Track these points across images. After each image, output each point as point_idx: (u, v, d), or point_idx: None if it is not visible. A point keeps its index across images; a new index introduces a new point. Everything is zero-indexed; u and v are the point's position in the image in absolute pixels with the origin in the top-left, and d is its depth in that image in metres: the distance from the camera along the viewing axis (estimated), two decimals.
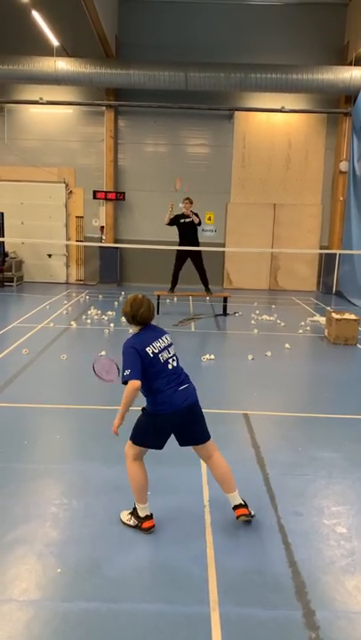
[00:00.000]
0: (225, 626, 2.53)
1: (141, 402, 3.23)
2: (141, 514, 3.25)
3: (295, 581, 2.86)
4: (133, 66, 13.02)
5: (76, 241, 15.15)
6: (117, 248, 14.76)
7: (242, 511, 3.30)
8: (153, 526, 3.24)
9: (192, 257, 10.80)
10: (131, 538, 3.19)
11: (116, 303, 11.73)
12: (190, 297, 12.35)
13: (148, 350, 3.12)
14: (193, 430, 3.28)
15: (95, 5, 10.42)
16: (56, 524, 3.32)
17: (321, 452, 4.49)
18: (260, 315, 10.76)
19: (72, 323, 9.38)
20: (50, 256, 15.36)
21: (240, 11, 14.12)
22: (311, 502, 3.68)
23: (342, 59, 14.11)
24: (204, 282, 11.00)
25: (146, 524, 3.23)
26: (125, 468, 3.28)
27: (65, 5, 13.26)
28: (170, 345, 3.28)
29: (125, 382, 3.06)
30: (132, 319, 3.22)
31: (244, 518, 3.29)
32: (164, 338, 3.26)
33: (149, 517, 3.25)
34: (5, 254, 14.15)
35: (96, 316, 10.06)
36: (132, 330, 3.31)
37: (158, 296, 10.78)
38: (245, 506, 3.33)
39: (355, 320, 8.44)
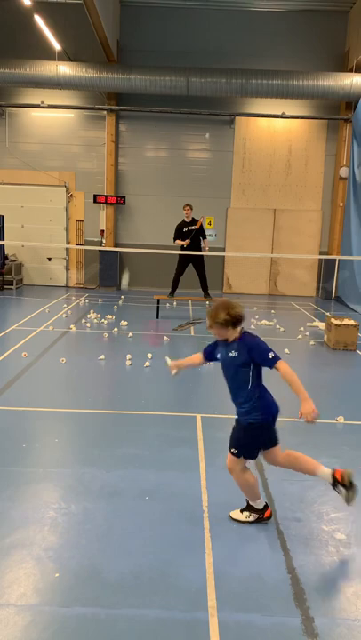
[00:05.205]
0: (223, 632, 2.52)
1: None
2: (259, 507, 3.43)
3: (294, 588, 2.85)
4: (135, 71, 13.08)
5: (76, 244, 15.16)
6: (117, 252, 14.78)
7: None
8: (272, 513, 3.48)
9: (194, 262, 10.82)
10: (129, 543, 3.18)
11: (115, 307, 11.73)
12: (190, 301, 12.37)
13: None
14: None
15: (97, 10, 10.47)
16: (54, 528, 3.31)
17: (320, 458, 4.44)
18: (259, 320, 10.76)
19: (71, 326, 9.38)
20: (50, 259, 15.37)
21: (241, 17, 14.18)
22: (310, 508, 3.68)
23: (343, 65, 14.20)
24: (204, 287, 11.00)
25: (268, 513, 3.45)
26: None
27: (67, 10, 13.37)
28: None
29: (275, 361, 3.29)
30: (237, 322, 3.33)
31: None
32: None
33: (267, 507, 3.46)
34: (5, 257, 14.16)
35: (95, 320, 10.06)
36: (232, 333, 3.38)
37: (158, 300, 10.80)
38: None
39: (354, 326, 8.45)
